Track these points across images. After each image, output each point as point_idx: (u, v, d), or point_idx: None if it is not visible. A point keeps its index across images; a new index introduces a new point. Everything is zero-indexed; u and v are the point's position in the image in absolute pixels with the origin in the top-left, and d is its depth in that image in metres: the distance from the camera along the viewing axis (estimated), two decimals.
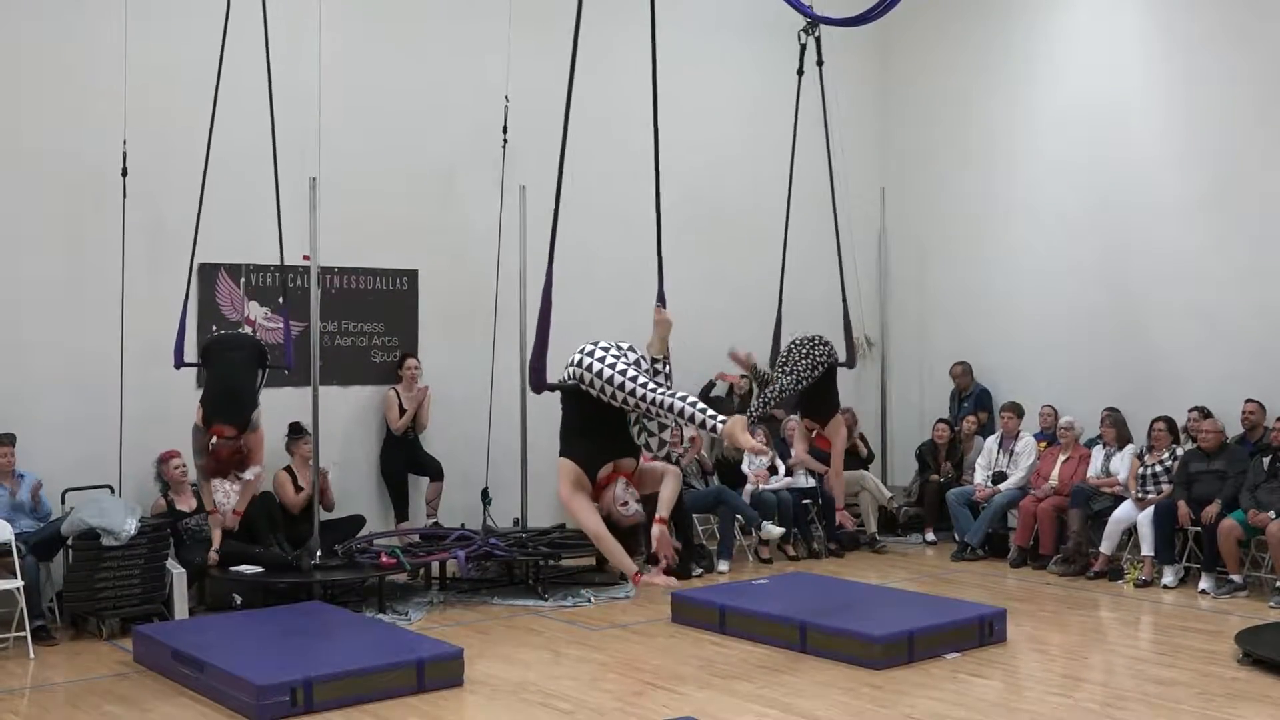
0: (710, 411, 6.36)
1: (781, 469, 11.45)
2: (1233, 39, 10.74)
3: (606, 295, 10.91)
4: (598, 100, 11.14)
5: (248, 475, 8.21)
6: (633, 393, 6.53)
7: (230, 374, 8.52)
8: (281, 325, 9.48)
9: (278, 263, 9.11)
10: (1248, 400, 10.09)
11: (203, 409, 8.38)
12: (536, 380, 7.06)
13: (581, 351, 6.75)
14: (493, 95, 10.58)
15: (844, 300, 10.08)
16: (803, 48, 9.89)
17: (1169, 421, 10.28)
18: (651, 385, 6.53)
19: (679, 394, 6.49)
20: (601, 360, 6.64)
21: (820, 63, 9.85)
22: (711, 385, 11.93)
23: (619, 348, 6.79)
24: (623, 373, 6.58)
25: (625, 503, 6.70)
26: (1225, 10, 10.83)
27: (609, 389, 6.60)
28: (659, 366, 7.03)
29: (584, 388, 6.69)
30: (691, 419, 6.37)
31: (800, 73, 9.94)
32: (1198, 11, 11.01)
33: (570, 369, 6.78)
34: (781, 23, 10.72)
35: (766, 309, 10.10)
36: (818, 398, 9.14)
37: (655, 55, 7.48)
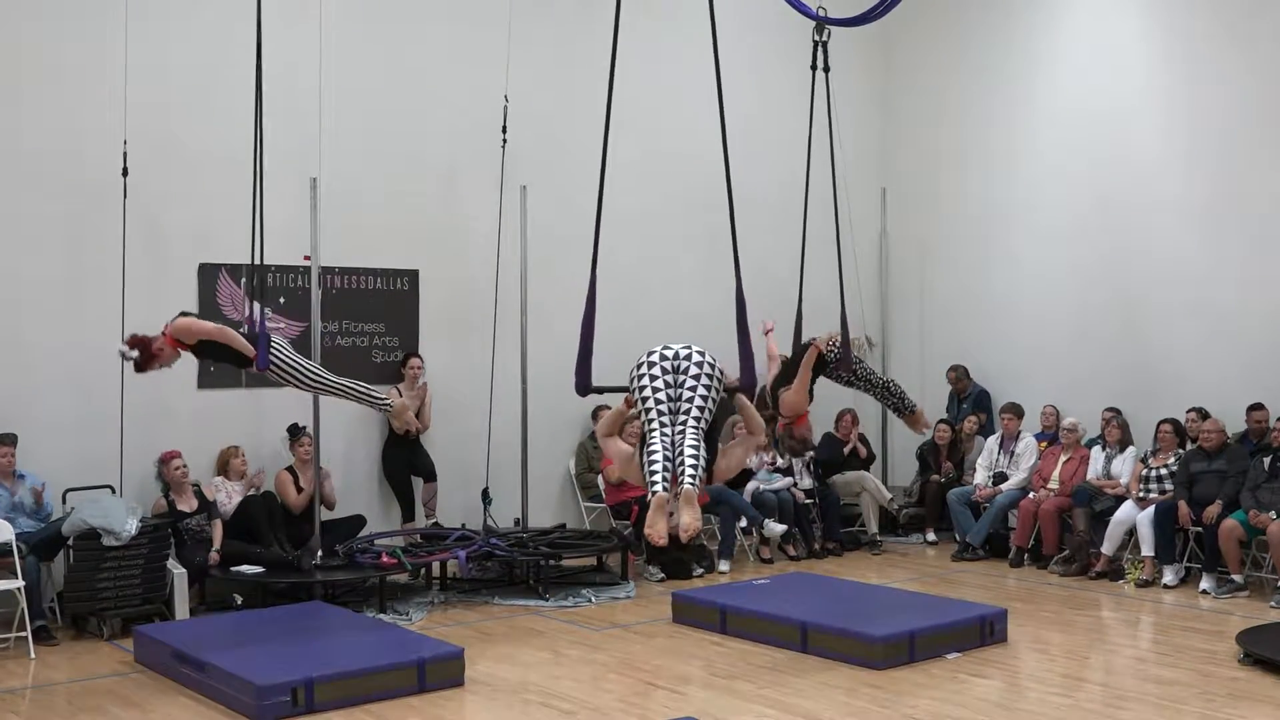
0: (690, 474, 6.65)
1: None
2: (1233, 39, 10.73)
3: (611, 293, 10.87)
4: (601, 100, 11.15)
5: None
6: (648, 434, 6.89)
7: None
8: (284, 323, 9.69)
9: (279, 263, 9.09)
10: (1253, 408, 10.04)
11: None
12: (581, 384, 7.26)
13: (643, 359, 7.03)
14: (492, 95, 10.57)
15: (841, 298, 10.05)
16: (815, 44, 9.86)
17: (1175, 424, 10.26)
18: (656, 441, 6.77)
19: (687, 454, 6.71)
20: (641, 388, 6.93)
21: (827, 68, 9.84)
22: None
23: (675, 357, 6.99)
24: (644, 399, 6.91)
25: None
26: (1226, 10, 10.82)
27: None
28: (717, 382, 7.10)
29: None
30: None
31: (814, 68, 9.91)
32: (1198, 12, 11.00)
33: (632, 372, 7.10)
34: (782, 23, 10.70)
35: (764, 308, 10.04)
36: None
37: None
